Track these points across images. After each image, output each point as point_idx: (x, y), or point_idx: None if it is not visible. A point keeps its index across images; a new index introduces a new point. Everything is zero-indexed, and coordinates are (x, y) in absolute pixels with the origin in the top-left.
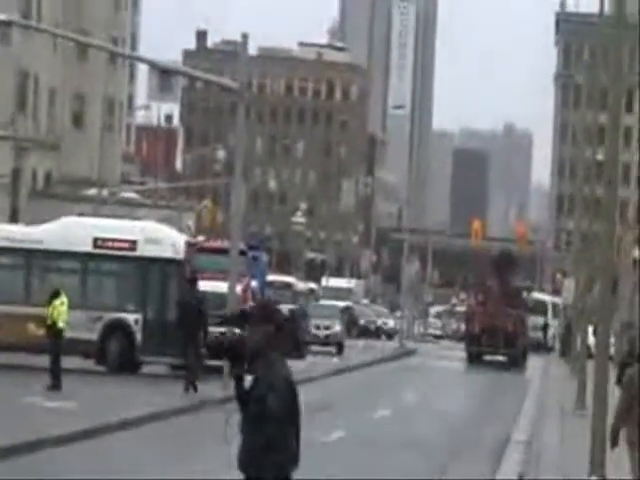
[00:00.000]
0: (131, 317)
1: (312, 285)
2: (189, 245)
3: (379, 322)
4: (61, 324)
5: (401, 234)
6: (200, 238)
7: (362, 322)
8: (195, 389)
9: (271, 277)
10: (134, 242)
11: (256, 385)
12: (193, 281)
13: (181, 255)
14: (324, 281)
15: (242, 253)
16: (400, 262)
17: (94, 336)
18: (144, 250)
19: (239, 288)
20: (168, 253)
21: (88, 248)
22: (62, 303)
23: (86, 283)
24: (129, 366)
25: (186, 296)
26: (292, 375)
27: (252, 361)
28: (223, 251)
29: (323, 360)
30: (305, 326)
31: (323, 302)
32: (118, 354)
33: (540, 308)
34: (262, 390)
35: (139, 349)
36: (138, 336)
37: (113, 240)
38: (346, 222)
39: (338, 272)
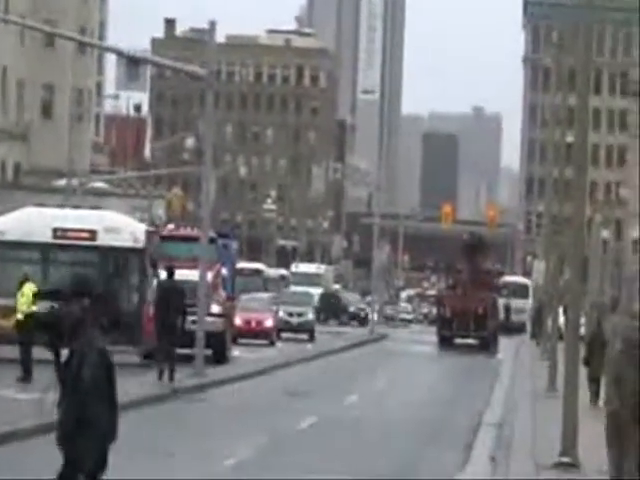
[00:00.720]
0: None
1: (283, 271)
2: (150, 233)
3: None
4: (19, 315)
5: (371, 219)
6: (170, 226)
7: (352, 309)
8: (171, 378)
9: (241, 264)
10: (94, 232)
11: (71, 358)
12: (170, 270)
13: (141, 244)
14: (294, 267)
15: (212, 241)
16: (371, 247)
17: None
18: (104, 239)
19: (210, 275)
20: (128, 242)
21: (48, 239)
22: (22, 294)
23: (47, 273)
24: None
25: (166, 284)
26: (107, 348)
27: (71, 335)
28: (193, 239)
29: (294, 347)
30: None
31: (295, 289)
32: None
33: (522, 291)
34: (76, 362)
35: None
36: None
37: (73, 230)
38: (316, 208)
39: (309, 258)
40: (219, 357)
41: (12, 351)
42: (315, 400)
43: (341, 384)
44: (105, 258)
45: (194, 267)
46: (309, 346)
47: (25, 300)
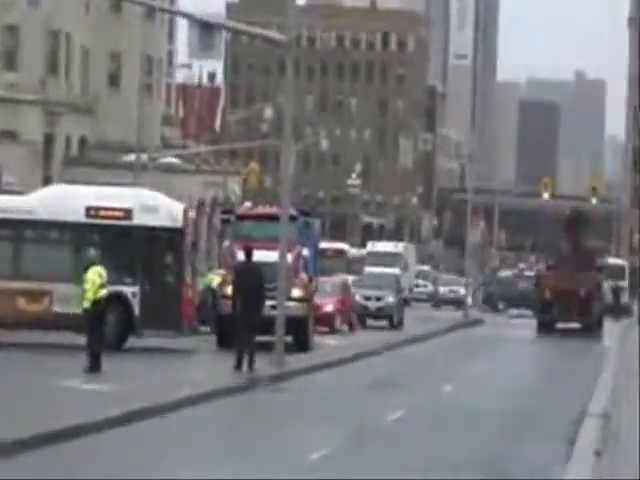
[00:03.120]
0: (128, 290)
1: (363, 252)
2: (186, 213)
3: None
4: (86, 303)
5: (464, 194)
6: (247, 204)
7: (442, 291)
8: (251, 367)
9: (324, 244)
10: (129, 210)
11: None
12: (248, 251)
13: (180, 223)
14: (369, 246)
15: (293, 219)
16: (463, 225)
17: None
18: (140, 219)
19: (290, 257)
20: (166, 222)
21: (80, 218)
22: (86, 280)
23: (78, 255)
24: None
25: (242, 267)
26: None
27: None
28: (272, 217)
29: (378, 334)
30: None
31: (372, 270)
32: (116, 329)
33: (618, 273)
34: None
35: (138, 323)
36: (136, 310)
37: (106, 209)
38: (405, 183)
39: (397, 237)
40: (301, 344)
41: (44, 337)
42: (404, 391)
43: (432, 373)
44: (141, 239)
45: (273, 248)
46: (394, 333)
47: (91, 286)
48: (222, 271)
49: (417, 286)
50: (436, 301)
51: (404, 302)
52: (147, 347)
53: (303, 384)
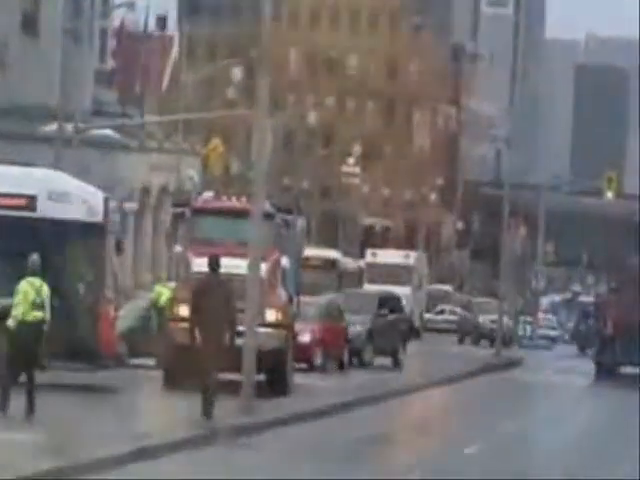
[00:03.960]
0: None
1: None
2: (108, 203)
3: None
4: (10, 321)
5: (499, 190)
6: (207, 194)
7: (482, 320)
8: (208, 413)
9: (310, 251)
10: (31, 198)
11: None
12: (214, 260)
13: (99, 217)
14: (369, 255)
15: (268, 217)
16: (498, 230)
17: None
18: (46, 210)
19: (264, 267)
20: (81, 214)
21: None
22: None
23: None
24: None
25: (205, 282)
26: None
27: None
28: (241, 213)
29: (376, 375)
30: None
31: (369, 288)
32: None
33: None
34: None
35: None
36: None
37: (3, 196)
38: (420, 173)
39: (408, 244)
40: (276, 385)
41: None
42: (408, 451)
43: (447, 431)
44: (46, 236)
45: (241, 255)
46: (395, 374)
47: (23, 300)
48: (173, 284)
49: (441, 312)
50: (476, 335)
51: (415, 332)
52: (55, 383)
53: (276, 439)
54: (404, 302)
